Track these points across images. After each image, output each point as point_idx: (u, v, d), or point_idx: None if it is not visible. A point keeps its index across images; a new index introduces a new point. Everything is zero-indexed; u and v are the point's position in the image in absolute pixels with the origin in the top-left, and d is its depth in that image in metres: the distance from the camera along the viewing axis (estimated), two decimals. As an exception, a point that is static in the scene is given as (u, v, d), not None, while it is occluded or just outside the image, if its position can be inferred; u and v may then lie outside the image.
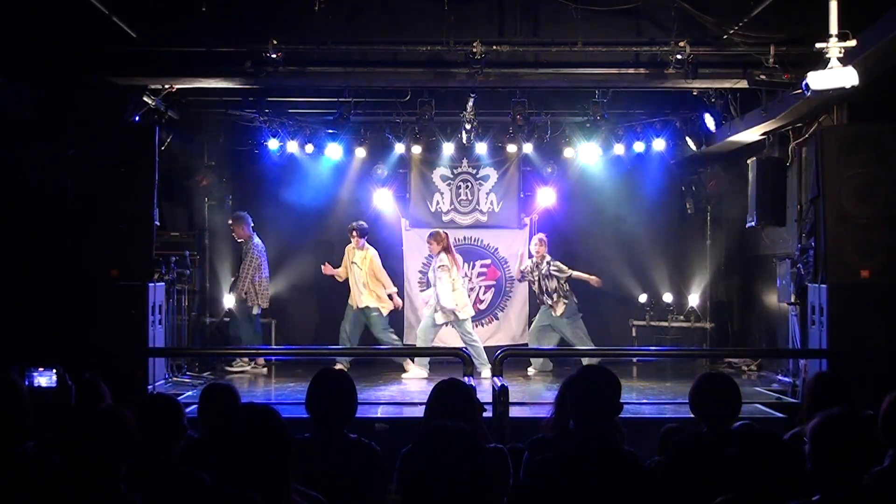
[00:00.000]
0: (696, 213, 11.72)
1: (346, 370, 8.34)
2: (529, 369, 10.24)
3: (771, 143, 9.65)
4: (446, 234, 10.18)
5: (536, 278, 10.35)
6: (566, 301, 10.24)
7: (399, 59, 8.26)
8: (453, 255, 10.05)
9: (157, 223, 8.54)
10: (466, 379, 5.45)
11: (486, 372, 9.19)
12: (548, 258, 10.38)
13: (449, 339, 10.50)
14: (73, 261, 7.64)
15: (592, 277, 10.36)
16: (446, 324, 10.04)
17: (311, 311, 11.79)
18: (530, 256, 10.53)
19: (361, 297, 10.24)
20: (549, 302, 10.24)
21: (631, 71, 8.33)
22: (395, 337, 10.41)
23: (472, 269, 11.56)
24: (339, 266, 10.50)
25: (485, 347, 10.39)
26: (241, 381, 9.73)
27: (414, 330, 11.13)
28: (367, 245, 10.41)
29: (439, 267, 9.89)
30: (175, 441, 3.77)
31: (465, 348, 6.80)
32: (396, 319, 10.84)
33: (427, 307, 10.29)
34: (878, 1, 6.38)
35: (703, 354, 11.09)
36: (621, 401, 3.53)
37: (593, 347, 10.86)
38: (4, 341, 7.14)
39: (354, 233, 10.39)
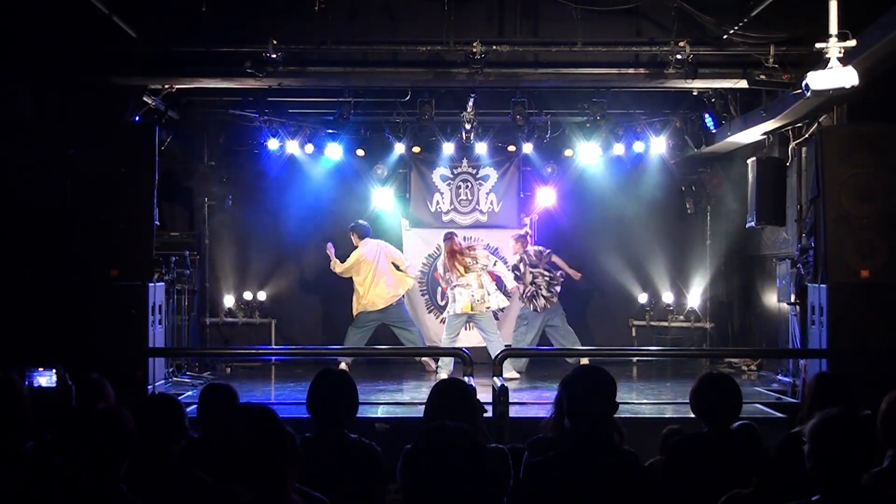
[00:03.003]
0: (696, 213, 11.72)
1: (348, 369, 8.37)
2: (511, 373, 9.77)
3: (771, 143, 9.65)
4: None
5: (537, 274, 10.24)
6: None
7: (399, 59, 8.26)
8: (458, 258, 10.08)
9: (157, 223, 8.54)
10: (467, 379, 5.46)
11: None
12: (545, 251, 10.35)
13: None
14: (73, 261, 7.64)
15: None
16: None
17: (311, 311, 11.79)
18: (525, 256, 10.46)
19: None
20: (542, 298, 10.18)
21: (631, 71, 8.33)
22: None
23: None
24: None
25: (484, 348, 10.40)
26: (240, 380, 9.73)
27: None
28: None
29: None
30: (176, 441, 3.78)
31: (466, 348, 6.78)
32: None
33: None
34: (878, 1, 6.38)
35: (703, 354, 11.08)
36: (619, 400, 3.53)
37: (594, 348, 10.87)
38: (4, 341, 7.14)
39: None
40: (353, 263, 10.23)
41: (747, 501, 3.26)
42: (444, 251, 10.11)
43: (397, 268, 10.49)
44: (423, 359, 10.59)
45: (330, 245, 10.39)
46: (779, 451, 3.26)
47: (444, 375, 9.58)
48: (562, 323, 10.22)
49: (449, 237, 10.14)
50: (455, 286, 9.90)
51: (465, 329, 10.41)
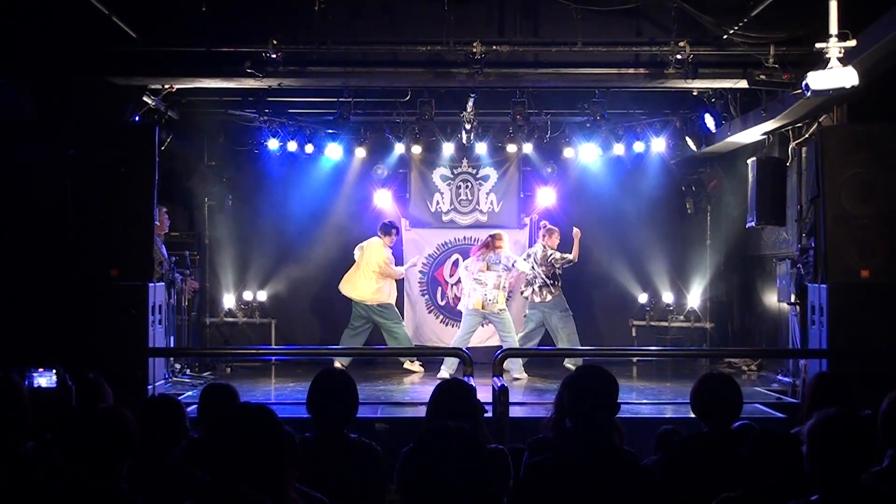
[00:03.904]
0: (696, 213, 11.73)
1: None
2: (515, 372, 9.83)
3: (771, 143, 9.65)
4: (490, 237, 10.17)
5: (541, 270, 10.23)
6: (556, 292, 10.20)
7: (399, 59, 8.26)
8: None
9: (157, 223, 8.53)
10: (467, 379, 5.46)
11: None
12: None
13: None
14: (73, 261, 7.63)
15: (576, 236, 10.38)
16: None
17: (312, 311, 11.79)
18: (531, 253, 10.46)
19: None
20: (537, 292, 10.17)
21: (631, 71, 8.33)
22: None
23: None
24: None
25: (484, 348, 10.40)
26: (240, 380, 9.73)
27: (414, 329, 11.14)
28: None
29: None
30: (177, 442, 3.78)
31: (466, 348, 6.80)
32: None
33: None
34: (878, 1, 6.38)
35: (703, 354, 11.09)
36: (619, 400, 3.53)
37: (594, 348, 10.86)
38: (4, 341, 7.14)
39: None
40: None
41: (736, 504, 3.26)
42: (481, 242, 10.19)
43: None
44: (406, 362, 10.55)
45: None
46: (752, 450, 3.24)
47: (445, 374, 9.59)
48: (563, 325, 10.18)
49: (498, 235, 10.15)
50: (474, 279, 9.94)
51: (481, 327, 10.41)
